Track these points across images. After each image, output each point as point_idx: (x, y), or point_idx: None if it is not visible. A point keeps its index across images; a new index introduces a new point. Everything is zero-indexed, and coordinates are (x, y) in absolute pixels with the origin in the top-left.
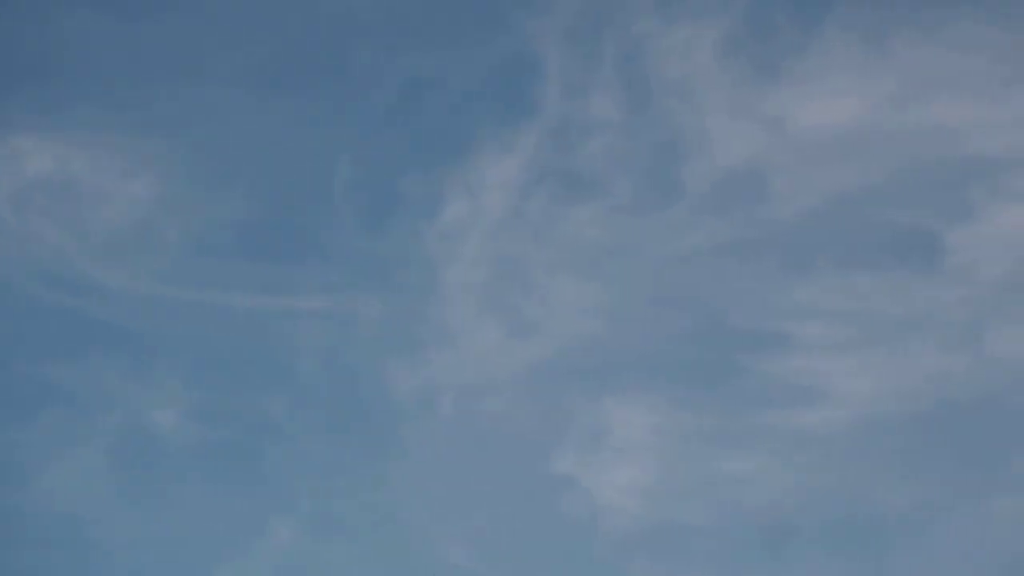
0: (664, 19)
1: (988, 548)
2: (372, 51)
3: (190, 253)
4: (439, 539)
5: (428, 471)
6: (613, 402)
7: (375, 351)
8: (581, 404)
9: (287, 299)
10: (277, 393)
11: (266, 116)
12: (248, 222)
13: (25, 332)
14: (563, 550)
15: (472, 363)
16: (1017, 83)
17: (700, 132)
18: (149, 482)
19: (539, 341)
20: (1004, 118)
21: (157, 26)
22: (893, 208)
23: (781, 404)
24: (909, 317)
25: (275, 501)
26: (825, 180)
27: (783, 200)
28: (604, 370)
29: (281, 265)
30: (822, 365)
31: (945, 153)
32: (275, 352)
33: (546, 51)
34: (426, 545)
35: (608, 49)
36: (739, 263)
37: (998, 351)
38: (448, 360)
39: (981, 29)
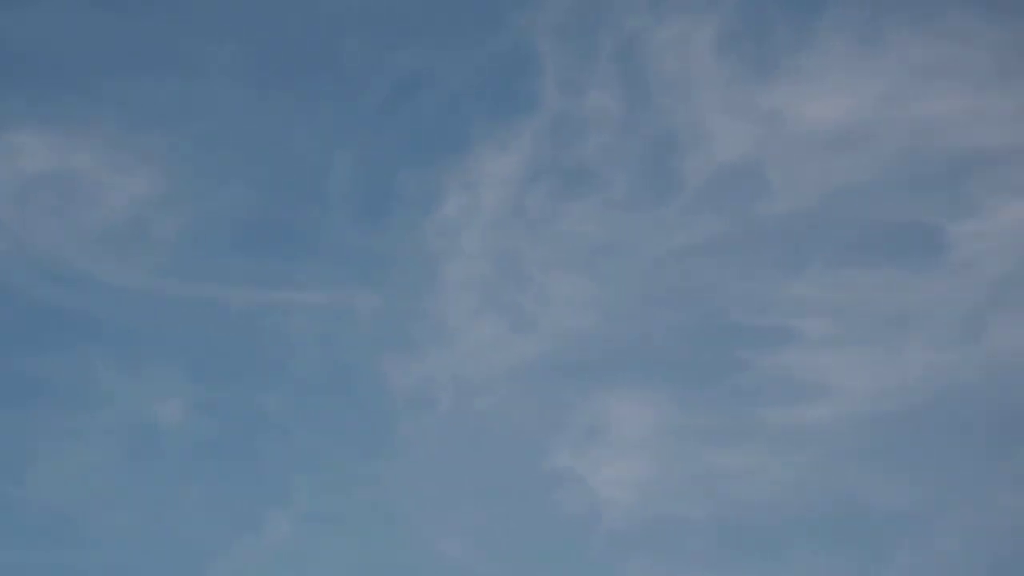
0: (660, 14)
1: (988, 544)
2: (368, 46)
3: (188, 248)
4: (435, 534)
5: (425, 466)
6: (610, 397)
7: (372, 346)
8: (578, 399)
9: (284, 294)
10: (274, 388)
11: (263, 112)
12: (245, 217)
13: (22, 327)
14: (559, 545)
15: (469, 358)
16: (1014, 74)
17: (697, 127)
18: (145, 476)
19: (536, 336)
20: (1003, 110)
21: (153, 22)
22: (891, 203)
23: (779, 400)
24: (908, 312)
25: (272, 495)
26: (823, 175)
27: (781, 195)
28: (601, 365)
29: (278, 260)
30: (820, 360)
31: (943, 146)
32: (272, 347)
33: (542, 47)
34: (422, 540)
35: (604, 44)
36: (737, 258)
37: (999, 346)
38: (445, 355)
39: (976, 22)
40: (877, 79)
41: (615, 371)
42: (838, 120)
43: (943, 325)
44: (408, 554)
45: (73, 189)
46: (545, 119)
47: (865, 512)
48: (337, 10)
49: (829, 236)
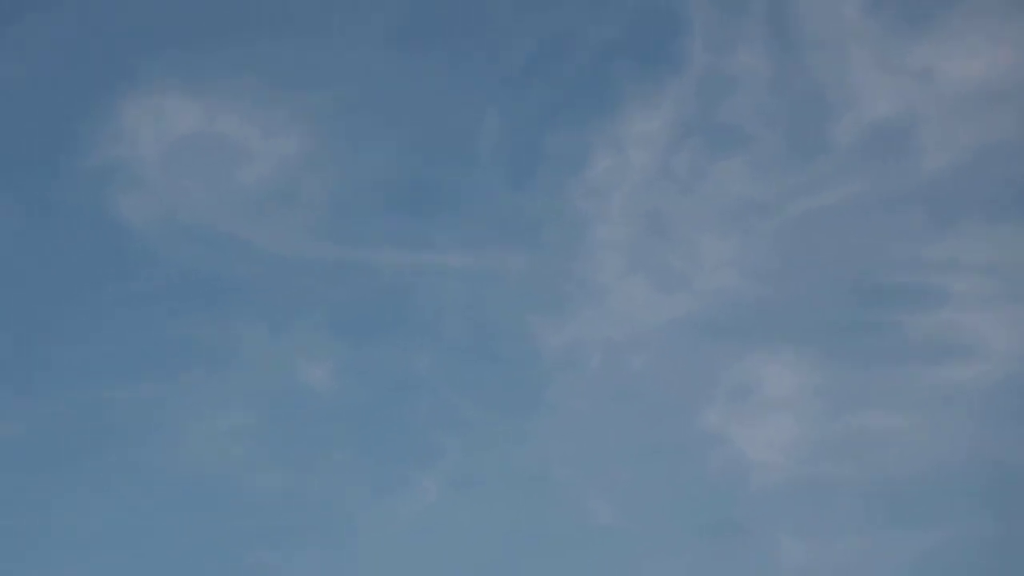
0: None
1: None
2: (514, 5)
3: (335, 210)
4: (584, 494)
5: (574, 427)
6: (759, 357)
7: (520, 307)
8: (727, 359)
9: (432, 256)
10: (422, 349)
11: (410, 73)
12: (393, 179)
13: (172, 291)
14: (708, 505)
15: (618, 319)
16: None
17: (846, 86)
18: (297, 439)
19: (684, 296)
20: None
21: None
22: None
23: (929, 360)
24: None
25: (420, 457)
26: (973, 132)
27: (931, 153)
28: (750, 325)
29: (426, 222)
30: (972, 320)
31: None
32: (420, 308)
33: (690, 4)
34: (571, 500)
35: (753, 2)
36: (886, 217)
37: None
38: (594, 316)
39: None
40: None
41: (764, 331)
42: (989, 76)
43: None
44: (557, 515)
45: (220, 152)
46: (693, 78)
47: (1018, 475)
48: None
49: (980, 194)
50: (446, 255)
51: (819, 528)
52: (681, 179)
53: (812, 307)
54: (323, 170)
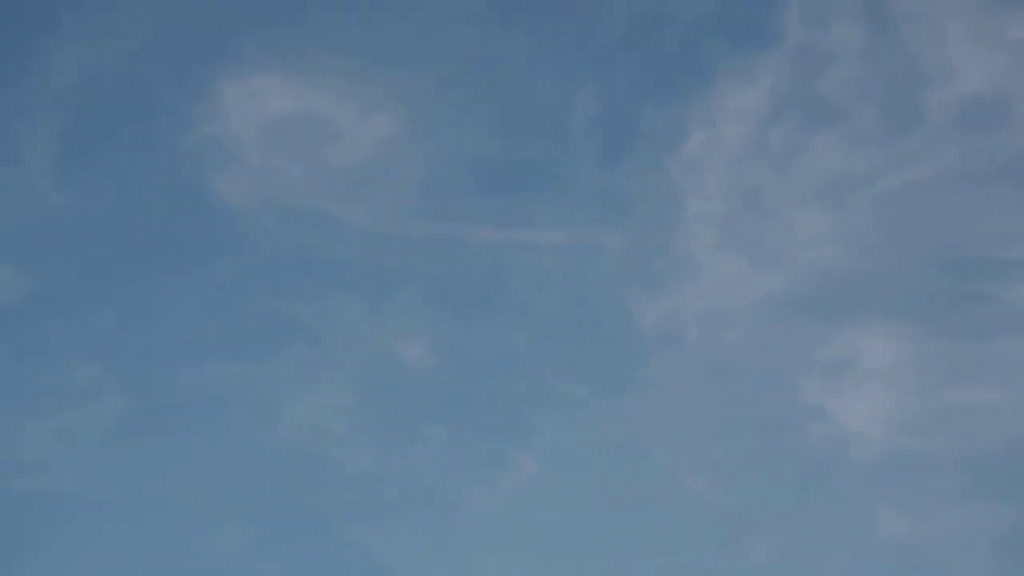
0: None
1: None
2: None
3: (430, 188)
4: (682, 470)
5: (671, 402)
6: (855, 331)
7: (616, 283)
8: (824, 333)
9: (527, 233)
10: (518, 326)
11: (503, 50)
12: (487, 157)
13: (269, 269)
14: (807, 479)
15: (714, 294)
16: None
17: (941, 59)
18: (394, 415)
19: (781, 271)
20: None
21: None
22: None
23: None
24: None
25: (517, 434)
26: None
27: None
28: (846, 299)
29: (521, 199)
30: None
31: None
32: (516, 286)
33: None
34: (669, 476)
35: None
36: (981, 191)
37: None
38: (690, 291)
39: None
40: None
41: (860, 305)
42: None
43: None
44: (654, 490)
45: (315, 131)
46: (788, 52)
47: None
48: None
49: None
50: (541, 232)
51: (916, 501)
52: (776, 154)
53: (907, 281)
54: (417, 148)
